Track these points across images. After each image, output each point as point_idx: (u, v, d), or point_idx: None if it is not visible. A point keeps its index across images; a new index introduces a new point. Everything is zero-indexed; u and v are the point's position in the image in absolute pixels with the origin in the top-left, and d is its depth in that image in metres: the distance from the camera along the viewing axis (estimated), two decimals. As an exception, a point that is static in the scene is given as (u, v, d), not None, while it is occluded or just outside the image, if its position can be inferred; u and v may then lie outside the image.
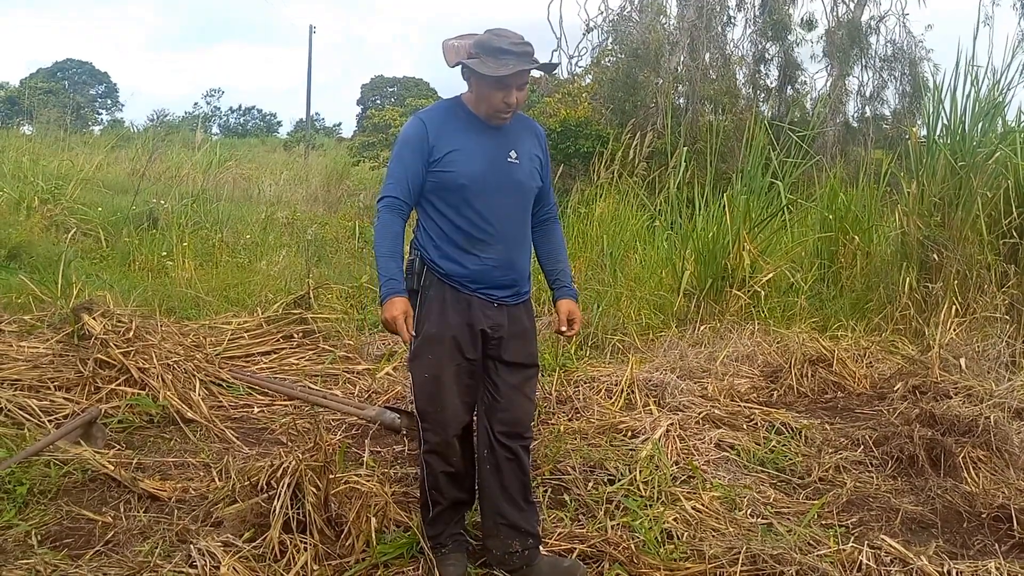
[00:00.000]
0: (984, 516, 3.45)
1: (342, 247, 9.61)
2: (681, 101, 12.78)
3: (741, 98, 14.15)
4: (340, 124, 52.88)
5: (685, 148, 7.32)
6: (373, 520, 2.74)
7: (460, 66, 2.61)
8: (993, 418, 4.20)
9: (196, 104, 57.26)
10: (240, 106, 54.17)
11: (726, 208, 6.67)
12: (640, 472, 3.58)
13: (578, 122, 12.75)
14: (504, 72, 2.49)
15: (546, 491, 3.40)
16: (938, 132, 6.32)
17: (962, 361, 5.34)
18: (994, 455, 4.00)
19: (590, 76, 14.94)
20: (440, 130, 2.63)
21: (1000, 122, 6.33)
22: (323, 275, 7.67)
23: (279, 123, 53.57)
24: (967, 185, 5.98)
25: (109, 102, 49.14)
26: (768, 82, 15.44)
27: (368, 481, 2.94)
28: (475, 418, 2.80)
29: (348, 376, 5.09)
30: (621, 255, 7.64)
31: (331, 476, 2.79)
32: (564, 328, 2.82)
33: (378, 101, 36.20)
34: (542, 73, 2.88)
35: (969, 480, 3.81)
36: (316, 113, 63.63)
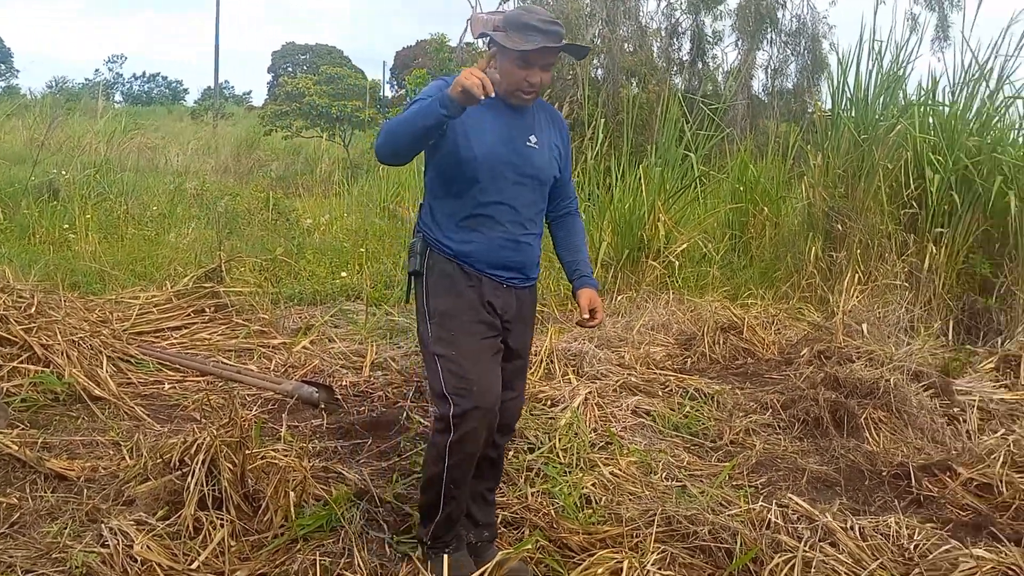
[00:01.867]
0: (884, 474, 3.63)
1: (255, 219, 9.36)
2: (599, 73, 12.84)
3: (658, 71, 14.30)
4: (250, 92, 51.42)
5: (603, 120, 7.38)
6: (292, 494, 2.70)
7: (485, 38, 2.48)
8: (893, 380, 4.40)
9: (97, 71, 54.71)
10: (144, 73, 52.19)
11: (642, 180, 6.77)
12: (559, 440, 3.63)
13: (496, 93, 12.69)
14: (528, 47, 2.35)
15: (467, 461, 3.41)
16: (842, 106, 6.52)
17: (864, 327, 5.59)
18: (894, 416, 4.20)
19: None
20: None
21: (901, 96, 6.57)
22: (235, 248, 7.48)
23: (186, 91, 51.77)
24: (869, 157, 6.22)
25: (3, 67, 46.57)
26: (681, 55, 15.66)
27: (286, 456, 2.90)
28: None
29: (263, 351, 4.99)
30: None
31: (247, 451, 2.74)
32: (587, 316, 2.66)
33: (290, 69, 35.28)
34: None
35: (870, 440, 4.00)
36: (225, 81, 61.66)
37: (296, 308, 6.19)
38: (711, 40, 15.65)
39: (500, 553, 2.54)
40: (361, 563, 2.50)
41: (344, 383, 4.44)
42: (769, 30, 14.97)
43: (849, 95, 6.52)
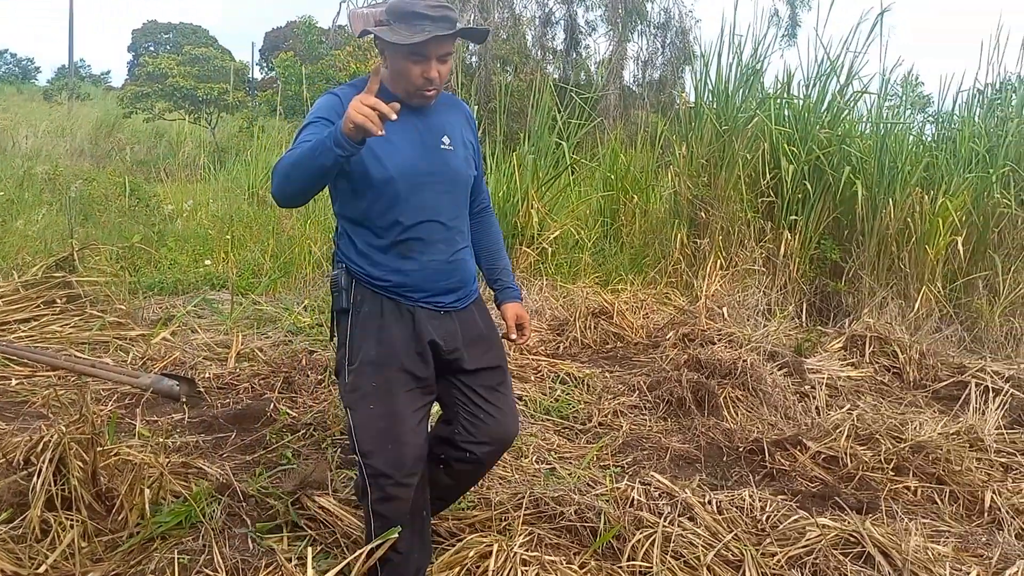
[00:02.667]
0: (741, 450, 3.80)
1: (111, 205, 8.87)
2: (474, 60, 12.84)
3: (530, 59, 14.45)
4: (109, 72, 48.65)
5: (477, 107, 7.38)
6: (147, 492, 2.59)
7: (369, 37, 2.18)
8: (750, 361, 4.61)
9: (-66, 45, 50.48)
10: (-11, 48, 48.41)
11: (516, 167, 6.82)
12: (429, 427, 3.61)
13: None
14: (419, 38, 2.05)
15: (336, 451, 3.36)
16: (704, 98, 6.76)
17: (725, 310, 5.83)
18: (750, 394, 4.40)
19: (381, 30, 14.66)
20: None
21: (759, 89, 6.86)
22: (90, 235, 7.08)
23: (37, 69, 48.43)
24: (730, 148, 6.47)
25: None
26: (555, 44, 15.88)
27: (141, 452, 2.77)
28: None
29: (120, 343, 4.75)
30: (413, 213, 7.62)
31: (99, 448, 2.60)
32: (514, 336, 2.49)
33: (152, 48, 33.60)
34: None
35: (729, 418, 4.19)
36: (80, 59, 58.13)
37: (156, 298, 5.92)
38: (584, 30, 15.95)
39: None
40: (221, 560, 2.42)
41: (207, 375, 4.28)
42: (638, 22, 15.37)
43: (711, 87, 6.76)
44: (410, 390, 2.23)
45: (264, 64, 30.47)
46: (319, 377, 4.23)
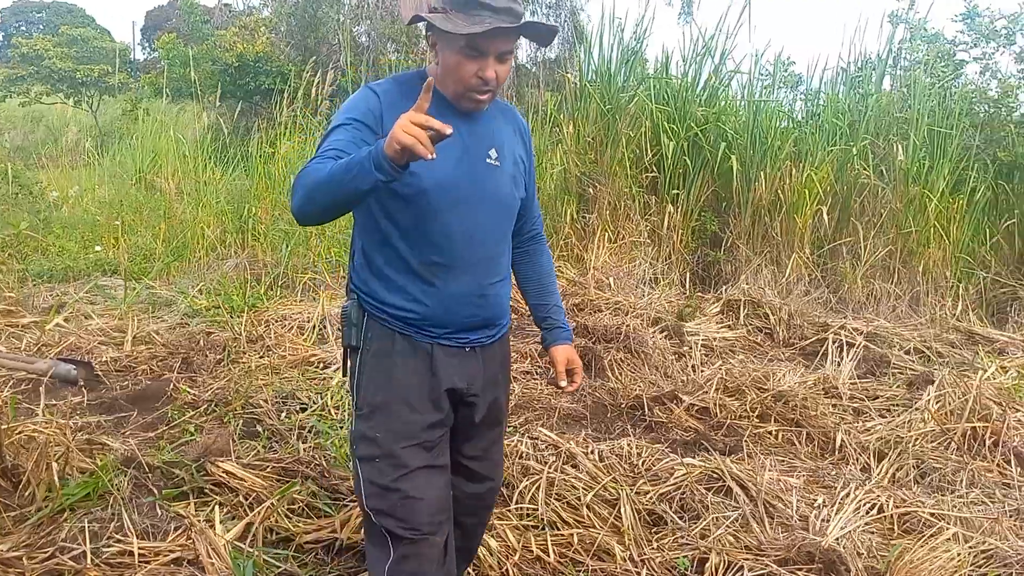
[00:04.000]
0: (623, 406, 4.11)
1: (-9, 193, 8.58)
2: (364, 39, 12.82)
3: (422, 39, 14.49)
4: (-24, 53, 45.82)
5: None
6: (54, 466, 2.68)
7: (420, 23, 1.89)
8: (633, 326, 4.94)
9: None
10: None
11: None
12: (332, 398, 3.79)
13: (257, 57, 12.33)
14: (477, 29, 1.77)
15: (238, 424, 3.49)
16: (589, 77, 7.05)
17: (612, 280, 6.16)
18: (633, 356, 4.72)
19: (268, 9, 14.44)
20: (396, 108, 1.79)
21: (640, 69, 7.20)
22: (-30, 224, 6.87)
23: None
24: (614, 126, 6.78)
25: None
26: (447, 24, 15.95)
27: (46, 429, 2.85)
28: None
29: (11, 331, 4.71)
30: (308, 195, 7.65)
31: (3, 427, 2.67)
32: (564, 383, 2.22)
33: (24, 28, 31.91)
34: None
35: (613, 378, 4.49)
36: (-56, 38, 54.46)
37: (46, 286, 5.83)
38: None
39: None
40: (131, 525, 2.54)
41: (104, 359, 4.31)
42: (531, 1, 15.60)
43: (595, 67, 7.05)
44: (422, 442, 1.95)
45: (146, 45, 29.37)
46: (218, 356, 4.32)
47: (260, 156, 7.85)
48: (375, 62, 10.66)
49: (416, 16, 1.87)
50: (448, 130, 1.54)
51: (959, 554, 2.71)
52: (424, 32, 1.92)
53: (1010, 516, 3.13)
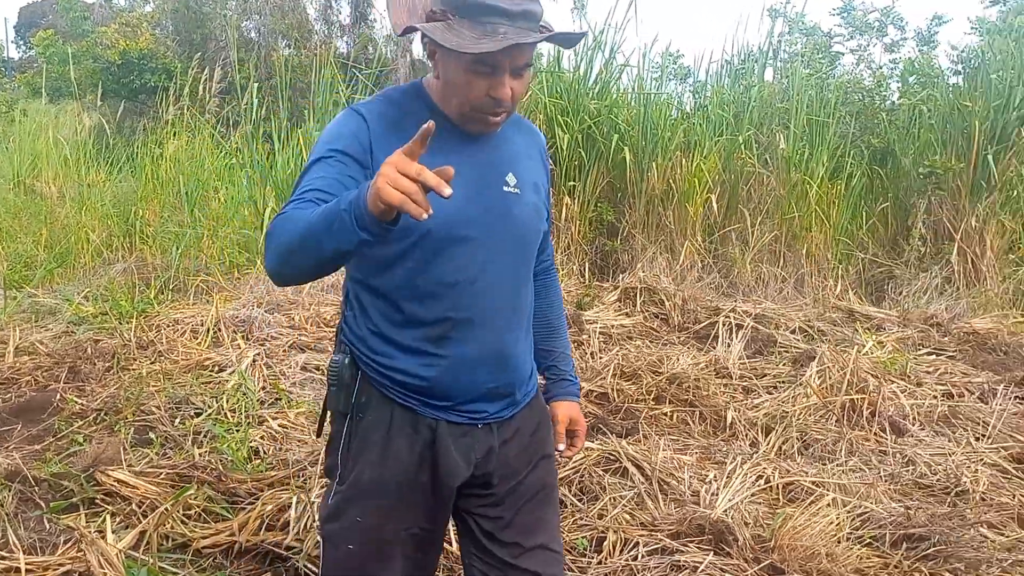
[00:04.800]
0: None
1: None
2: (253, 35, 12.54)
3: (315, 33, 14.27)
4: None
5: (256, 84, 7.31)
6: (-72, 486, 2.55)
7: (415, 34, 1.55)
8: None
9: None
10: None
11: (302, 144, 6.86)
12: (227, 401, 3.72)
13: (140, 54, 11.90)
14: (488, 47, 1.42)
15: (129, 432, 3.40)
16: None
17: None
18: (533, 346, 4.80)
19: (151, 4, 13.95)
20: (391, 135, 1.52)
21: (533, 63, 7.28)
22: None
23: None
24: (507, 119, 6.85)
25: None
26: (341, 18, 15.75)
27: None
28: None
29: None
30: (199, 195, 7.47)
31: None
32: (563, 446, 1.88)
33: None
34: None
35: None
36: None
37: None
38: (371, 3, 15.89)
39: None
40: (17, 540, 2.45)
41: (-16, 372, 4.11)
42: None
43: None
44: (407, 530, 1.65)
45: (21, 43, 27.90)
46: (107, 364, 4.18)
47: (147, 157, 7.60)
48: (266, 58, 10.44)
49: (409, 27, 1.53)
50: (446, 189, 1.22)
51: (838, 518, 2.88)
52: (421, 37, 1.55)
53: (884, 481, 3.34)
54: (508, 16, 1.44)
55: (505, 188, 1.64)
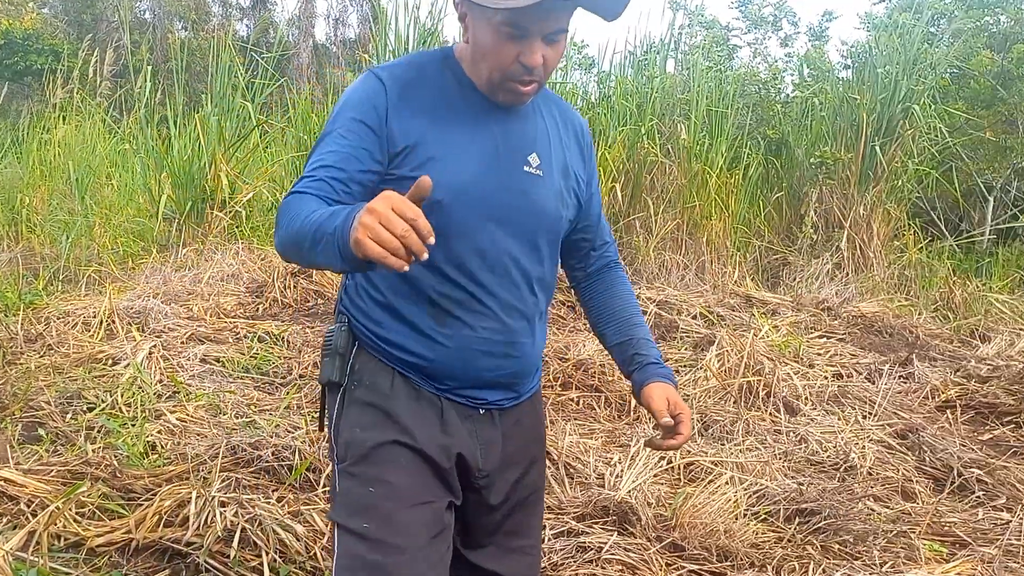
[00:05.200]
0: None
1: None
2: (147, 16, 12.06)
3: (213, 16, 13.84)
4: None
5: (151, 67, 7.05)
6: None
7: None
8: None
9: None
10: None
11: (200, 130, 6.65)
12: (122, 395, 3.59)
13: (26, 35, 11.31)
14: (519, 3, 1.35)
15: (17, 428, 3.24)
16: (387, 58, 7.02)
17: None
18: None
19: (36, -18, 13.26)
20: (409, 102, 1.47)
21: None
22: None
23: None
24: (414, 107, 6.81)
25: None
26: (241, 1, 15.32)
27: None
28: None
29: None
30: (91, 182, 7.17)
31: None
32: (666, 420, 1.60)
33: None
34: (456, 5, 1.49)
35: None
36: None
37: None
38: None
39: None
40: None
41: None
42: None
43: (392, 48, 7.03)
44: (429, 501, 1.49)
45: None
46: (-9, 359, 3.98)
47: (34, 141, 7.24)
48: (161, 41, 10.07)
49: None
50: (424, 253, 1.13)
51: (735, 495, 2.99)
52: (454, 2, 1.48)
53: (778, 458, 3.48)
54: None
55: (526, 168, 1.55)
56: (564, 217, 1.61)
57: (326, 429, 1.59)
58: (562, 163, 1.62)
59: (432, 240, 1.15)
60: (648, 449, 3.34)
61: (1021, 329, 5.80)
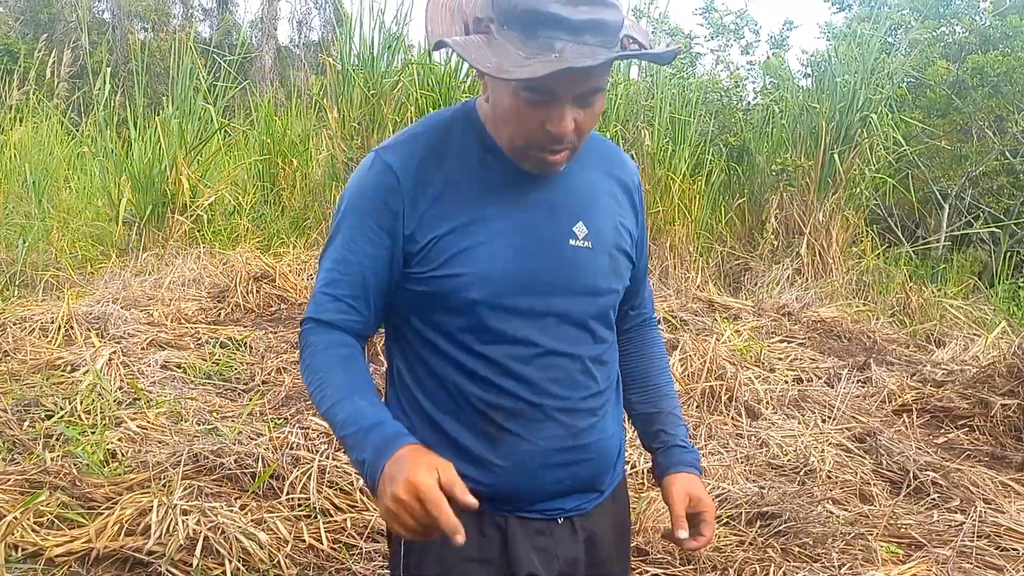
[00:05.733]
0: (397, 389, 4.16)
1: None
2: (107, 16, 11.89)
3: (174, 17, 13.68)
4: None
5: (109, 69, 6.95)
6: None
7: (445, 48, 1.23)
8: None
9: None
10: None
11: (160, 133, 6.58)
12: (81, 403, 3.53)
13: (-21, 33, 11.10)
14: (533, 71, 1.11)
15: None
16: (351, 62, 7.01)
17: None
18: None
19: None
20: (428, 188, 1.29)
21: (403, 54, 7.26)
22: None
23: None
24: (379, 112, 6.79)
25: None
26: (203, 2, 15.17)
27: None
28: None
29: None
30: (48, 185, 7.04)
31: None
32: (684, 533, 1.41)
33: None
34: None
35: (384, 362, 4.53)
36: None
37: None
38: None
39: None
40: None
41: None
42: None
43: (357, 52, 7.02)
44: None
45: None
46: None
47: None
48: (121, 42, 9.94)
49: (441, 41, 1.20)
50: (460, 538, 1.07)
51: (698, 499, 3.02)
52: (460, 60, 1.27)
53: (740, 462, 3.53)
54: (568, 28, 1.12)
55: (572, 242, 1.32)
56: (618, 288, 1.40)
57: (392, 555, 1.42)
58: (612, 224, 1.38)
59: (461, 539, 1.08)
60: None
61: (975, 334, 5.94)
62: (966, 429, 4.20)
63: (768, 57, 9.65)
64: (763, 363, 4.81)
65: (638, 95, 8.01)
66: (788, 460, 3.65)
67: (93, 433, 3.27)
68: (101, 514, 2.59)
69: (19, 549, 2.44)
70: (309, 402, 3.94)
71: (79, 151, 7.57)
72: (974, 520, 3.15)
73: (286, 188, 7.75)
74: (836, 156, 7.30)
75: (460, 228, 1.27)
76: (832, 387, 4.65)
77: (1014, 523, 3.12)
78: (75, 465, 2.95)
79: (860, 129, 7.45)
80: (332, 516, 2.78)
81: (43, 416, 3.43)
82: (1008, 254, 7.90)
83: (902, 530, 3.14)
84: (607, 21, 1.14)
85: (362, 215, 1.30)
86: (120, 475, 2.90)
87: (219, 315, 5.42)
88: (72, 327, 4.53)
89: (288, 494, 2.81)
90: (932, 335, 6.02)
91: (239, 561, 2.43)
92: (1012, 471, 3.72)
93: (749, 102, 9.03)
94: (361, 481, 2.88)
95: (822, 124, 7.31)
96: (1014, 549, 2.96)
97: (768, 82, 8.82)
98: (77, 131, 7.67)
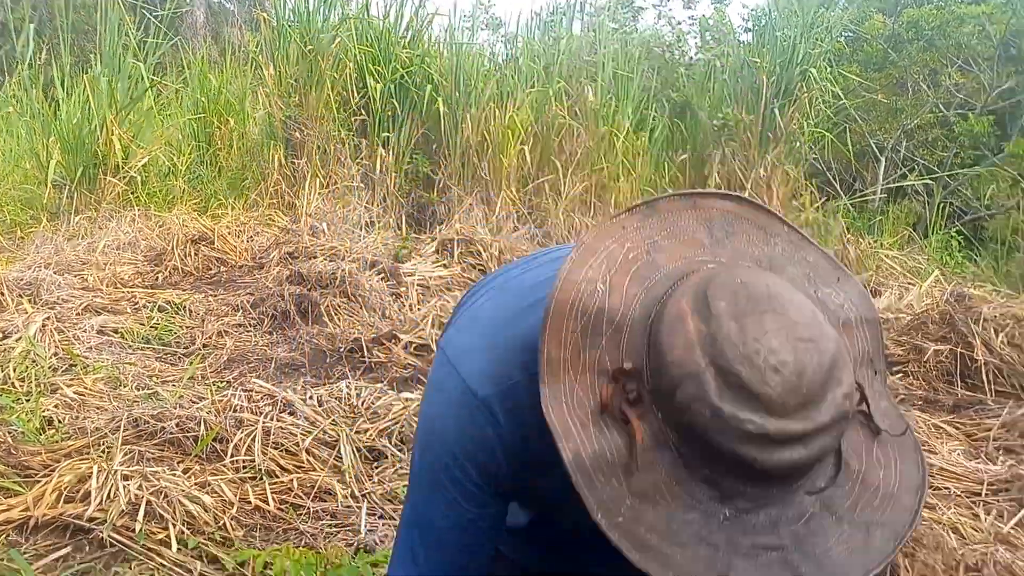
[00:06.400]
0: (342, 350, 4.13)
1: None
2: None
3: None
4: None
5: (33, 26, 6.65)
6: None
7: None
8: (349, 270, 4.94)
9: None
10: None
11: (89, 92, 6.33)
12: (14, 370, 3.43)
13: None
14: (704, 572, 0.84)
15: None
16: (287, 17, 6.81)
17: (326, 226, 6.09)
18: (350, 300, 4.74)
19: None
20: (527, 466, 1.10)
21: (340, 9, 7.07)
22: None
23: None
24: (317, 68, 6.63)
25: None
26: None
27: None
28: None
29: None
30: (-30, 147, 6.77)
31: None
32: None
33: None
34: None
35: (331, 323, 4.48)
36: None
37: None
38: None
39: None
40: None
41: None
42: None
43: (292, 6, 6.83)
44: None
45: None
46: None
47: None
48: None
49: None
50: None
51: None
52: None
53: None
54: (760, 480, 0.80)
55: None
56: None
57: None
58: None
59: None
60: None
61: (909, 283, 6.10)
62: (901, 375, 4.32)
63: (710, 12, 9.66)
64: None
65: (580, 50, 7.96)
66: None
67: (28, 400, 3.17)
68: (38, 482, 2.52)
69: (-48, 521, 2.37)
70: (252, 364, 3.89)
71: (4, 112, 7.26)
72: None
73: (223, 148, 7.55)
74: (776, 111, 7.37)
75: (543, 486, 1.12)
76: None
77: (946, 463, 3.23)
78: (10, 433, 2.86)
79: (800, 83, 7.52)
80: (278, 477, 2.75)
81: (-27, 385, 3.32)
82: (941, 205, 8.09)
83: (840, 473, 3.23)
84: (806, 460, 0.79)
85: (456, 476, 1.16)
86: (57, 442, 2.82)
87: (156, 279, 5.29)
88: (3, 293, 4.38)
89: (232, 456, 2.76)
90: (869, 285, 6.17)
91: (183, 524, 2.39)
92: (944, 414, 3.84)
93: (691, 57, 9.05)
94: (307, 441, 2.86)
95: (763, 79, 7.36)
96: (946, 487, 3.06)
97: (709, 37, 8.84)
98: (1, 91, 7.35)
